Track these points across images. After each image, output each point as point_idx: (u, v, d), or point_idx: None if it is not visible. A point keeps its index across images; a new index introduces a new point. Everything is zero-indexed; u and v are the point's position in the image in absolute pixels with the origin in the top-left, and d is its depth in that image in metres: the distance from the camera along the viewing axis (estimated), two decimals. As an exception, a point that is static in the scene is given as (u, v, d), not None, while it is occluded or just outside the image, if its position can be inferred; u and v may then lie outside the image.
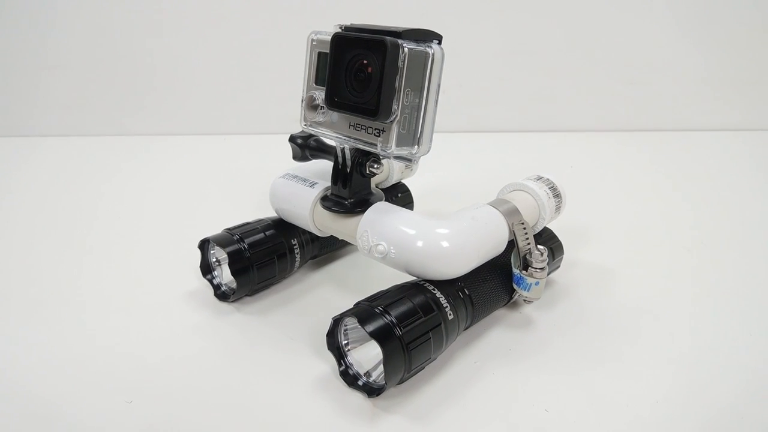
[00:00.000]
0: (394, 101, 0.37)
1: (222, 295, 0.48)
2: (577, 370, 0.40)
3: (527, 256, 0.43)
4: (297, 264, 0.50)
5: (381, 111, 0.37)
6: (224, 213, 0.66)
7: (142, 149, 0.91)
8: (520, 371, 0.40)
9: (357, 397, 0.38)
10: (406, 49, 0.36)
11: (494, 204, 0.45)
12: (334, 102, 0.40)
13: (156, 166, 0.84)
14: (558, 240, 0.49)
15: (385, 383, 0.36)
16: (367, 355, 0.40)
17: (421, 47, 0.37)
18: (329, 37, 0.41)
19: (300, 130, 0.47)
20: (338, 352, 0.39)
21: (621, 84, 0.92)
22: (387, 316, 0.36)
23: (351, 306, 0.38)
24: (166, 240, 0.60)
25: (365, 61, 0.38)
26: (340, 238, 0.46)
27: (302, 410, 0.37)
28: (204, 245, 0.48)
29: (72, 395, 0.38)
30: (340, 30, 0.41)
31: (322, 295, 0.50)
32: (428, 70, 0.38)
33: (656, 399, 0.38)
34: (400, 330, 0.36)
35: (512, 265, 0.44)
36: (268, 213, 0.51)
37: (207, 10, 0.91)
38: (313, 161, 0.49)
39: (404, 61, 0.37)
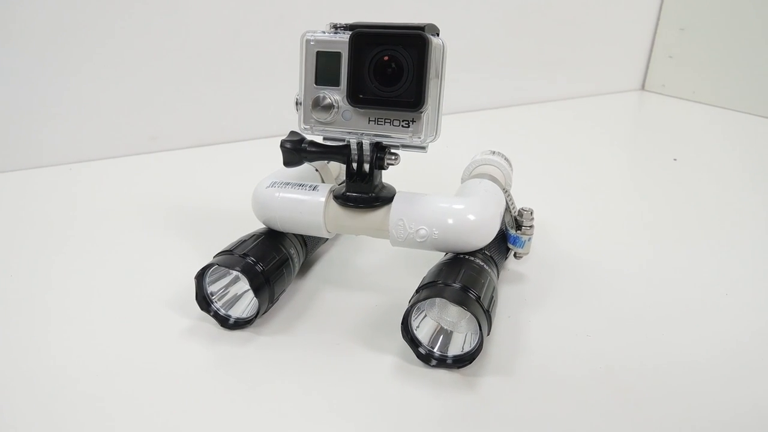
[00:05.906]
0: (428, 92, 0.40)
1: (236, 323, 0.44)
2: (583, 300, 0.49)
3: (518, 218, 0.49)
4: (295, 273, 0.48)
5: (423, 102, 0.39)
6: (174, 242, 0.58)
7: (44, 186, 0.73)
8: (546, 314, 0.47)
9: (441, 373, 0.40)
10: (433, 42, 0.39)
11: (482, 177, 0.50)
12: (359, 99, 0.40)
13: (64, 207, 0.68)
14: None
15: (479, 349, 0.39)
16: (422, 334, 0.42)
17: (437, 40, 0.40)
18: (330, 37, 0.42)
19: (288, 132, 0.46)
20: (412, 341, 0.40)
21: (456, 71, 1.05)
22: (460, 286, 0.39)
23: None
24: (129, 282, 0.51)
25: (386, 57, 0.40)
26: (356, 235, 0.46)
27: (409, 403, 0.37)
28: (203, 274, 0.44)
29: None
30: (334, 29, 0.42)
31: (326, 296, 0.49)
32: (442, 61, 0.41)
33: (650, 304, 0.48)
34: (477, 295, 0.39)
35: (507, 227, 0.50)
36: (227, 230, 0.48)
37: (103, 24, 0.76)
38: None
39: (431, 53, 0.39)
